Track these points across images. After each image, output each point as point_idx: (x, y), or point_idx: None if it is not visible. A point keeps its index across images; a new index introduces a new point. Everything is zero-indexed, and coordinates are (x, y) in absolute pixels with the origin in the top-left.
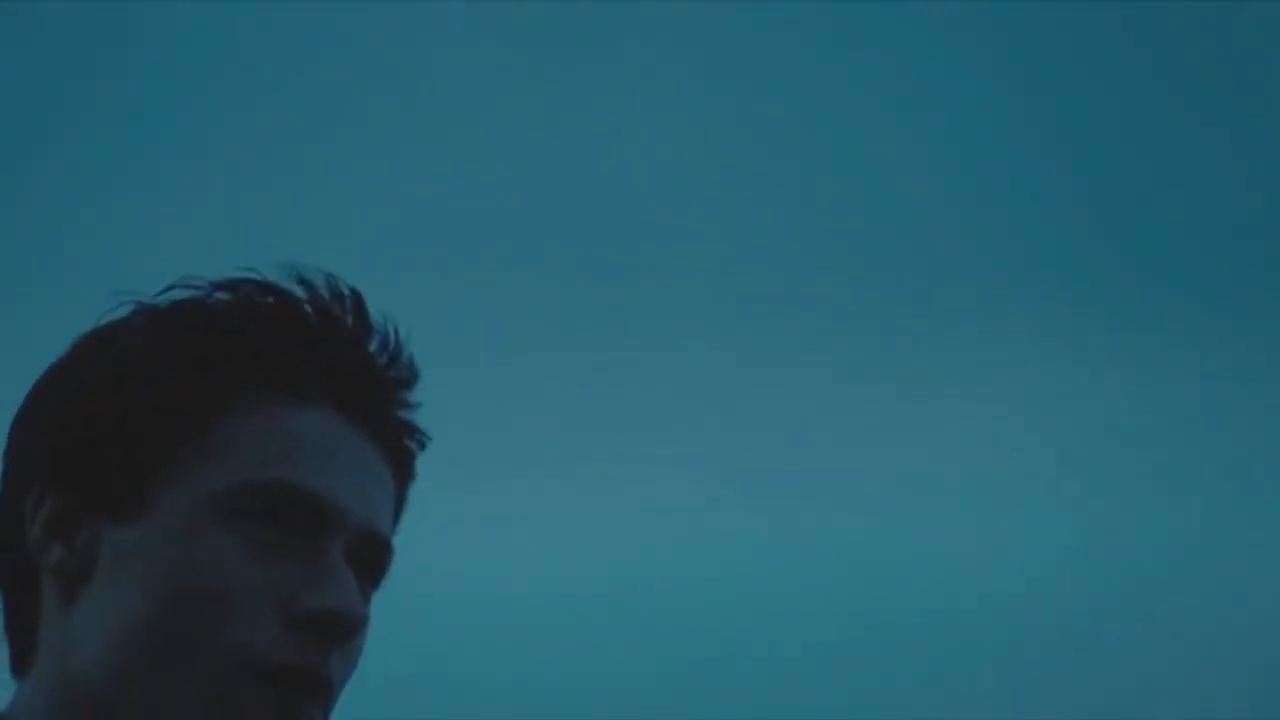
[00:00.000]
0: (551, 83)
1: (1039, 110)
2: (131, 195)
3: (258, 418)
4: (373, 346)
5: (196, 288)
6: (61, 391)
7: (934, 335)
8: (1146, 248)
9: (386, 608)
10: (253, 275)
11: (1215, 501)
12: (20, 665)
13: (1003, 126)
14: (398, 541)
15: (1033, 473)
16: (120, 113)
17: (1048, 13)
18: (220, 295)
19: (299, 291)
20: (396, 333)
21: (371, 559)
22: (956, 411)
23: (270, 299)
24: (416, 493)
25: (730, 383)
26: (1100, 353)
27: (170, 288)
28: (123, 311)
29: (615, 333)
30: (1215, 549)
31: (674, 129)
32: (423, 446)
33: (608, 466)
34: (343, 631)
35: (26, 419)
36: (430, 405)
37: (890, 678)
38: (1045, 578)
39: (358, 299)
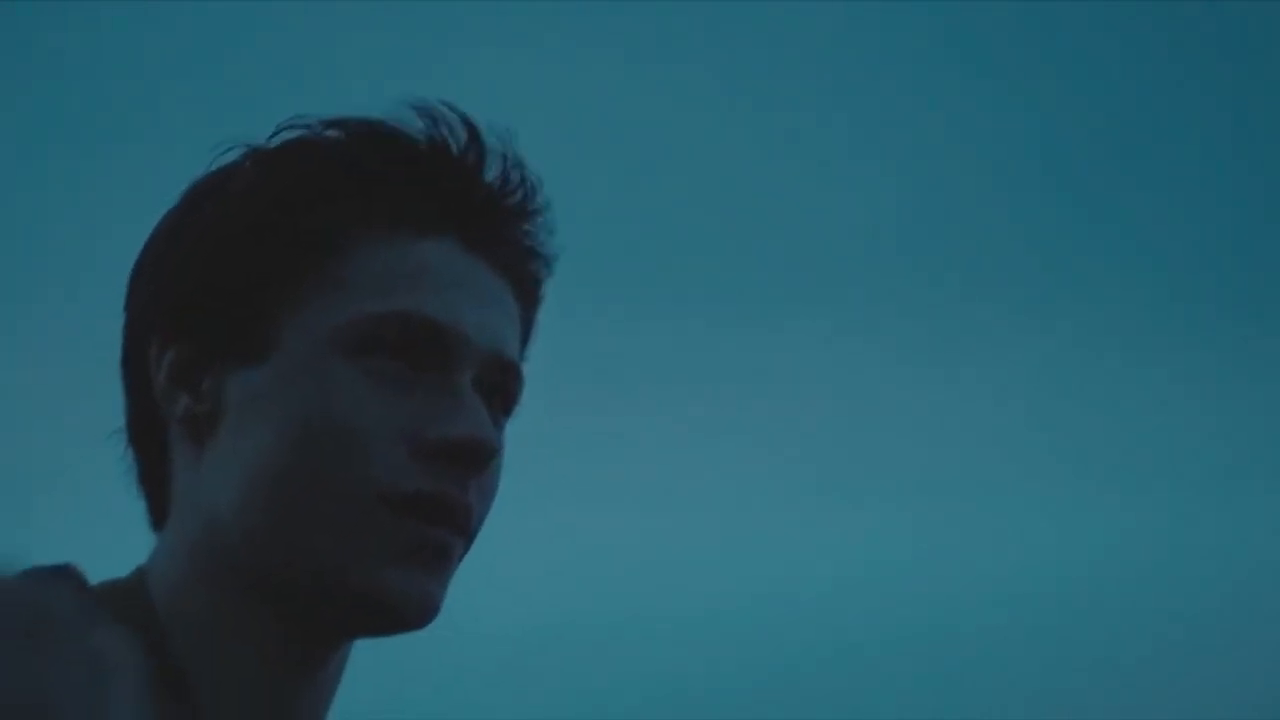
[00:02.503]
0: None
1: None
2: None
3: (378, 250)
4: (491, 174)
5: (306, 126)
6: (177, 238)
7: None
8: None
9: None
10: (366, 111)
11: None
12: (157, 519)
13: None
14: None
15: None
16: None
17: None
18: (332, 132)
19: (414, 123)
20: (517, 159)
21: (501, 387)
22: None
23: (384, 132)
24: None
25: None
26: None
27: (279, 129)
28: (233, 156)
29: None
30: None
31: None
32: (549, 269)
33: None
34: (476, 459)
35: (144, 269)
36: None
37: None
38: (1077, 578)
39: (474, 128)
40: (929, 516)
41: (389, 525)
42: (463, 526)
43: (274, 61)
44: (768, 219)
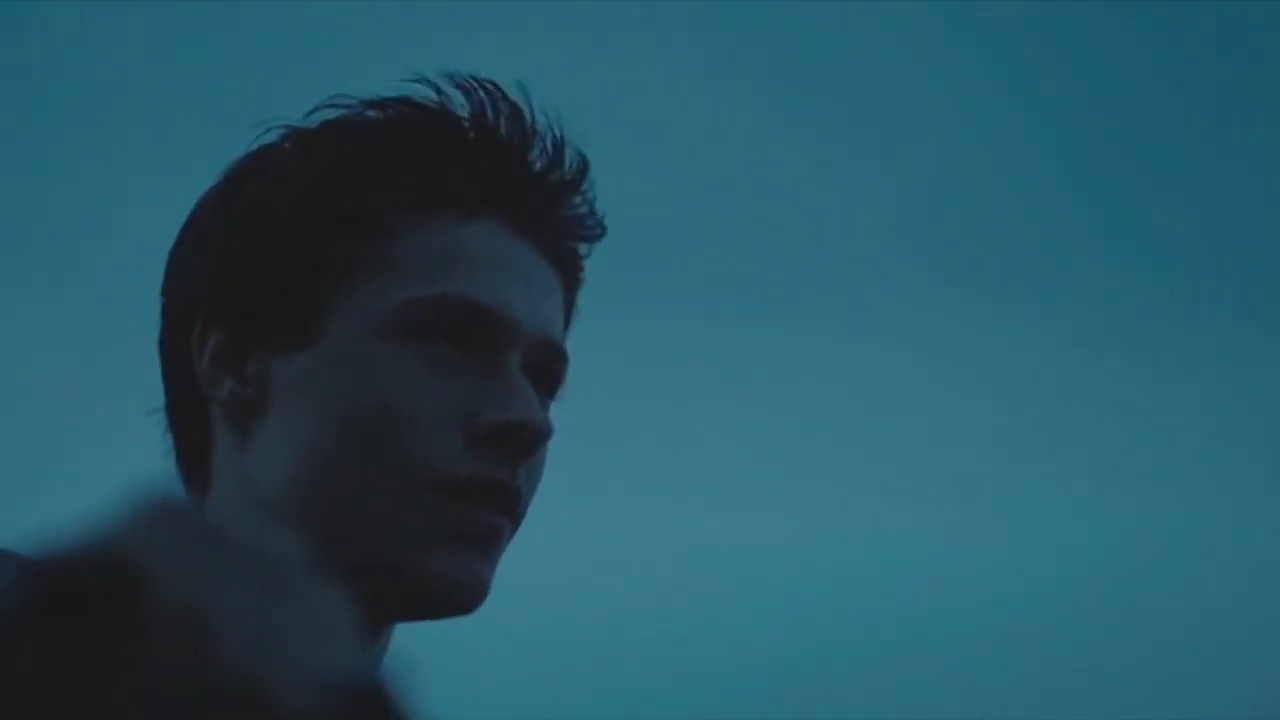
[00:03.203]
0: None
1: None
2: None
3: (422, 233)
4: (534, 154)
5: (347, 106)
6: (218, 220)
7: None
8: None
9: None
10: (406, 91)
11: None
12: (196, 504)
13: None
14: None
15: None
16: None
17: None
18: (373, 113)
19: (456, 103)
20: (560, 136)
21: (548, 370)
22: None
23: (428, 112)
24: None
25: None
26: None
27: (318, 108)
28: (272, 136)
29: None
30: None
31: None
32: (597, 238)
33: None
34: (527, 443)
35: (184, 251)
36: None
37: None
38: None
39: (516, 107)
40: (930, 516)
41: (440, 509)
42: (511, 510)
43: (280, 50)
44: (804, 215)
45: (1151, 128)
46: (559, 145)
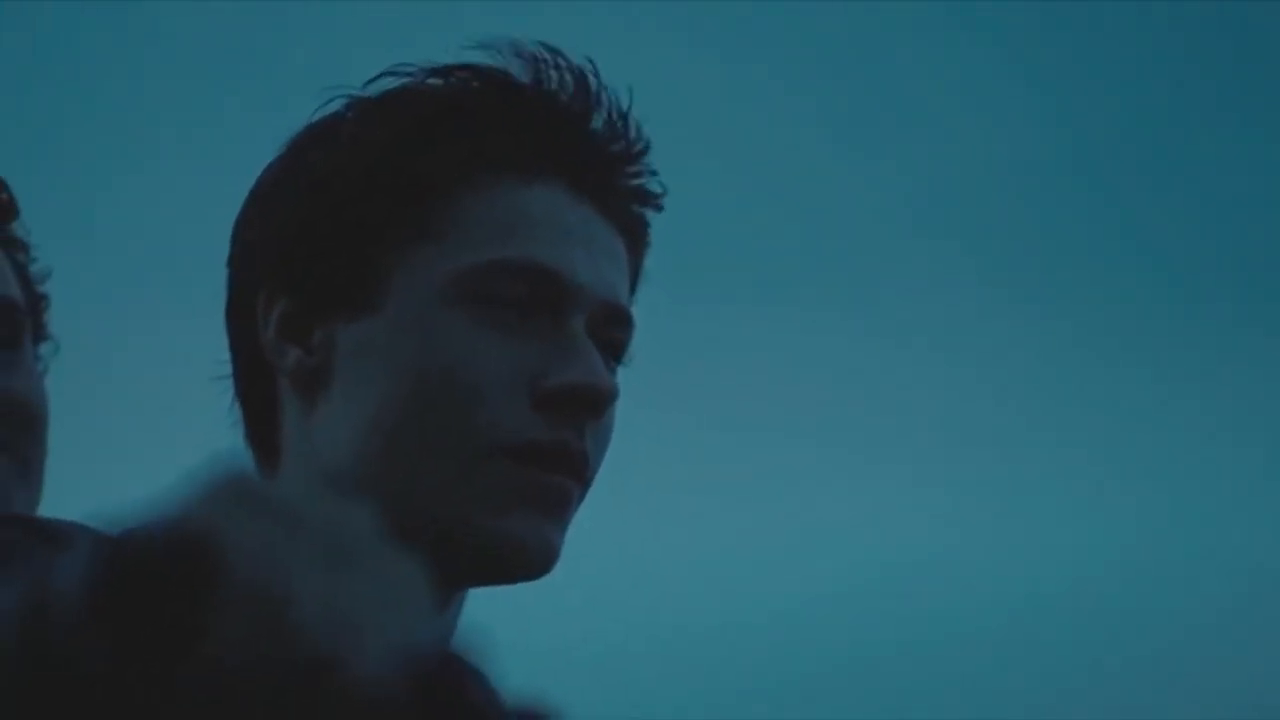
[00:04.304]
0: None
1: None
2: None
3: (486, 197)
4: (597, 120)
5: (408, 74)
6: (281, 190)
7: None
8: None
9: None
10: (467, 58)
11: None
12: (265, 473)
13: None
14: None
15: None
16: None
17: None
18: (434, 80)
19: (518, 69)
20: (623, 106)
21: (613, 334)
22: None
23: (491, 77)
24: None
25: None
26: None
27: (379, 76)
28: (334, 106)
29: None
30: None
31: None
32: (657, 210)
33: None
34: (594, 405)
35: (248, 221)
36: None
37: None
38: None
39: (580, 73)
40: (934, 515)
41: (508, 473)
42: (580, 473)
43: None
44: (834, 213)
45: (1170, 128)
46: (623, 116)
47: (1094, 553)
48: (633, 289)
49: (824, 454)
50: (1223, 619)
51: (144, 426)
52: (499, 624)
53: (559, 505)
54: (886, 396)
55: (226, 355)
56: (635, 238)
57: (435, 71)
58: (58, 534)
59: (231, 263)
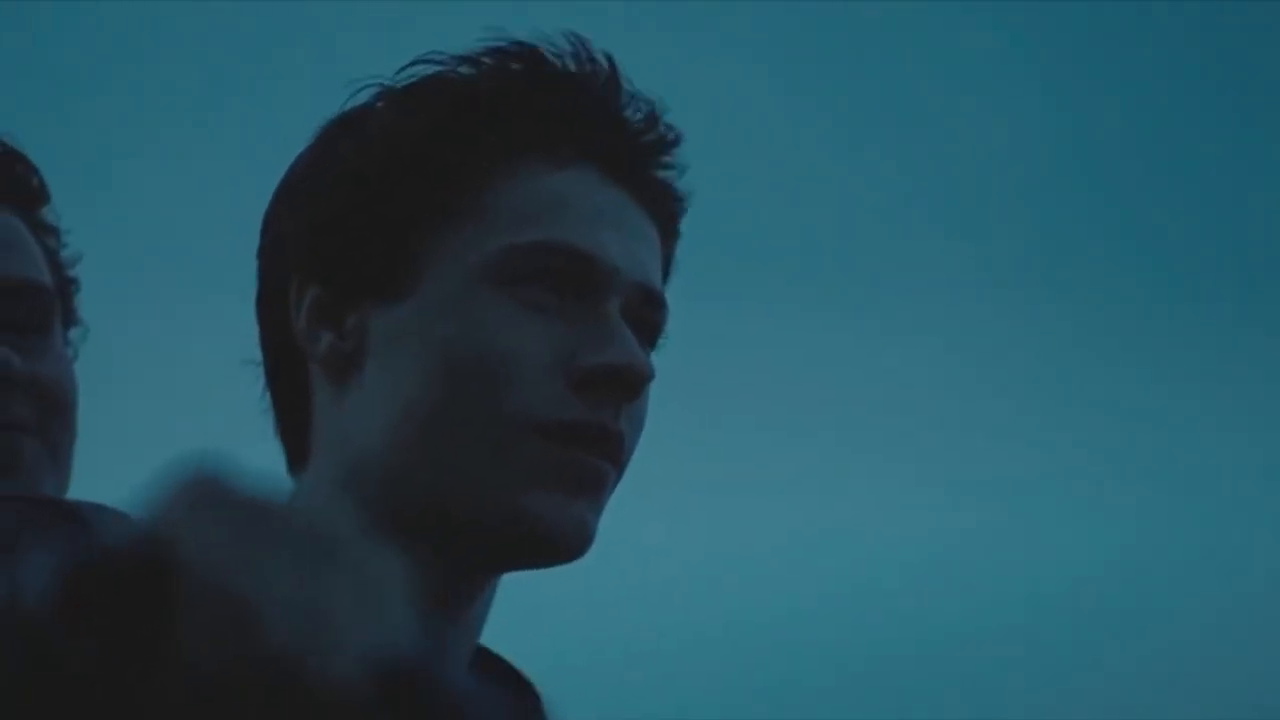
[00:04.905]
0: None
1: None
2: None
3: (518, 181)
4: (627, 109)
5: (439, 63)
6: (314, 177)
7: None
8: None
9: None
10: (497, 45)
11: None
12: (295, 461)
13: None
14: None
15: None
16: None
17: None
18: (465, 69)
19: (548, 57)
20: (650, 95)
21: (647, 317)
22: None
23: (518, 65)
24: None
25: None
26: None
27: (410, 65)
28: (365, 96)
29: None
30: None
31: None
32: (683, 208)
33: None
34: (629, 386)
35: (281, 208)
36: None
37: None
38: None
39: (610, 62)
40: (934, 513)
41: (544, 454)
42: (615, 455)
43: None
44: (852, 212)
45: (1172, 127)
46: (651, 105)
47: (1094, 552)
48: (665, 277)
49: (825, 451)
50: (1223, 619)
51: (171, 412)
52: (505, 620)
53: (595, 487)
54: (886, 396)
55: (255, 343)
56: (667, 225)
57: (465, 59)
58: (85, 517)
59: (262, 254)
